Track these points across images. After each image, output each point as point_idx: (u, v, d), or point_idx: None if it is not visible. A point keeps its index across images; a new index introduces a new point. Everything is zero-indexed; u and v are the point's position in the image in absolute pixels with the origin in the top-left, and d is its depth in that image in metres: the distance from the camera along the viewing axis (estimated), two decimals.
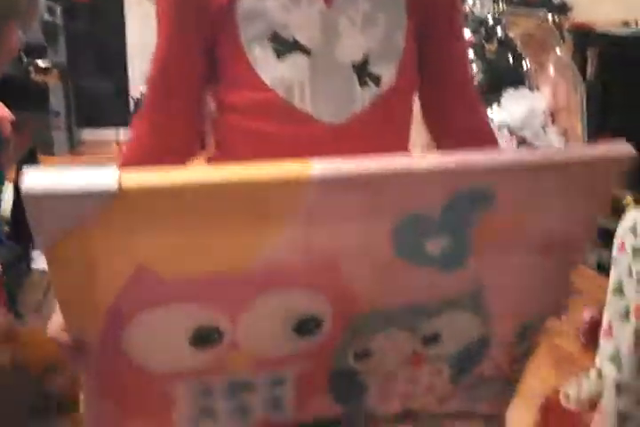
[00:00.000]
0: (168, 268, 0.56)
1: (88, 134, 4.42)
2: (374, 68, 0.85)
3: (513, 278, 0.69)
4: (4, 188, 1.98)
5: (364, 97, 0.85)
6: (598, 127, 3.15)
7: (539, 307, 0.74)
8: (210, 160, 0.93)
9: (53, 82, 3.88)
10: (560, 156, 0.63)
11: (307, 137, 0.85)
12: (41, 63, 3.82)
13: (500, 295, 0.70)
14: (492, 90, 3.44)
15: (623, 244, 1.51)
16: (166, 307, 0.59)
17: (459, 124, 0.95)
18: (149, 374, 0.63)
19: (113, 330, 0.59)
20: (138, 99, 4.22)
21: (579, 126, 3.11)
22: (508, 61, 3.50)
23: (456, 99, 0.95)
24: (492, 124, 1.02)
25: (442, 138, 0.98)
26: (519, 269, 0.68)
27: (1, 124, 2.01)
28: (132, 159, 0.88)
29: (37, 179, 0.49)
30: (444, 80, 0.94)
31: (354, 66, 0.85)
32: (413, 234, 0.61)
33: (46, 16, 3.87)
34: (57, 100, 3.91)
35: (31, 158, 2.30)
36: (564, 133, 3.09)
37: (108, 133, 4.27)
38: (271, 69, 0.83)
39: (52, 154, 3.91)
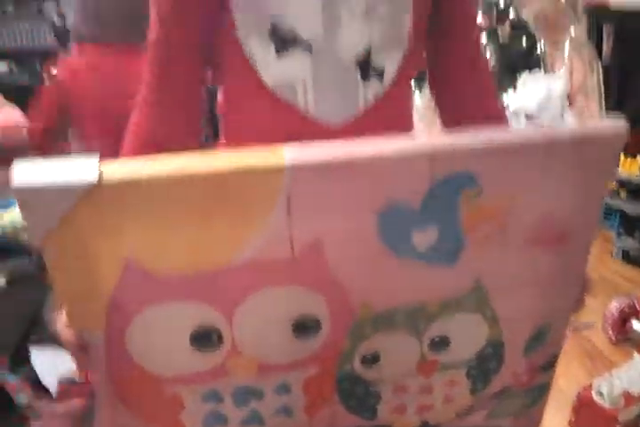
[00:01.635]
0: (155, 262, 0.56)
1: None
2: (377, 61, 0.81)
3: (516, 274, 0.65)
4: None
5: (366, 93, 0.82)
6: (616, 108, 3.08)
7: (551, 305, 0.69)
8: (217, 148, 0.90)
9: None
10: (543, 135, 0.59)
11: (310, 137, 0.79)
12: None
13: (506, 294, 0.66)
14: (507, 74, 3.38)
15: None
16: (163, 305, 0.58)
17: (469, 110, 0.91)
18: (156, 378, 0.62)
19: (116, 329, 0.59)
20: None
21: (596, 107, 3.04)
22: (522, 44, 3.43)
23: (467, 84, 0.90)
24: (505, 111, 0.97)
25: (452, 126, 0.93)
26: (520, 262, 0.64)
27: (17, 132, 2.04)
28: (133, 148, 0.84)
29: (25, 172, 0.51)
30: (454, 61, 0.89)
31: (357, 60, 0.80)
32: (398, 223, 0.59)
33: (56, 19, 3.87)
34: None
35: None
36: (582, 117, 3.02)
37: None
38: (272, 68, 0.79)
39: None
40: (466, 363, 0.70)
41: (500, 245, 0.62)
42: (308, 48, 0.78)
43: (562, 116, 3.10)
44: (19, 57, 3.98)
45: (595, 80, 3.02)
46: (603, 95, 3.04)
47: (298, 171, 0.54)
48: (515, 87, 3.29)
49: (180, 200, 0.54)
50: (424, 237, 0.60)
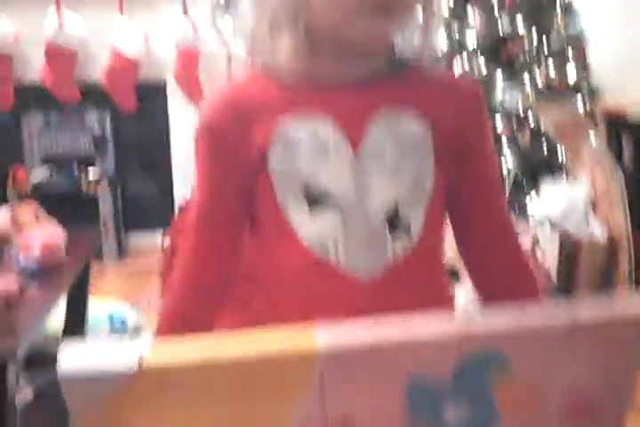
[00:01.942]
0: None
1: (135, 238, 4.54)
2: (404, 217, 0.85)
3: None
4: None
5: (395, 247, 0.85)
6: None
7: None
8: (245, 300, 0.93)
9: (102, 192, 4.03)
10: (569, 316, 0.62)
11: (342, 293, 0.85)
12: (91, 176, 4.00)
13: None
14: (529, 180, 3.44)
15: None
16: None
17: (491, 260, 0.92)
18: None
19: None
20: (181, 204, 4.35)
21: (620, 216, 3.07)
22: (543, 151, 3.50)
23: (489, 239, 0.91)
24: (528, 258, 0.99)
25: (476, 276, 0.95)
26: None
27: (57, 252, 2.09)
28: (170, 329, 0.88)
29: (70, 357, 0.54)
30: (473, 217, 0.92)
31: (386, 216, 0.84)
32: (428, 398, 0.62)
33: (96, 128, 4.06)
34: (106, 209, 4.05)
35: (85, 269, 2.37)
36: (607, 225, 3.04)
37: (154, 236, 4.39)
38: (306, 225, 0.84)
39: (102, 261, 4.02)
40: None
41: (532, 419, 0.65)
42: (339, 207, 0.84)
43: (587, 223, 3.12)
44: (59, 163, 4.15)
45: (617, 188, 3.07)
46: (626, 203, 3.07)
47: (330, 357, 0.58)
48: (537, 193, 3.33)
49: (214, 386, 0.57)
50: (456, 413, 0.62)
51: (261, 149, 0.83)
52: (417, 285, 0.87)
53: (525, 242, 3.15)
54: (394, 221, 0.85)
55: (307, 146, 0.82)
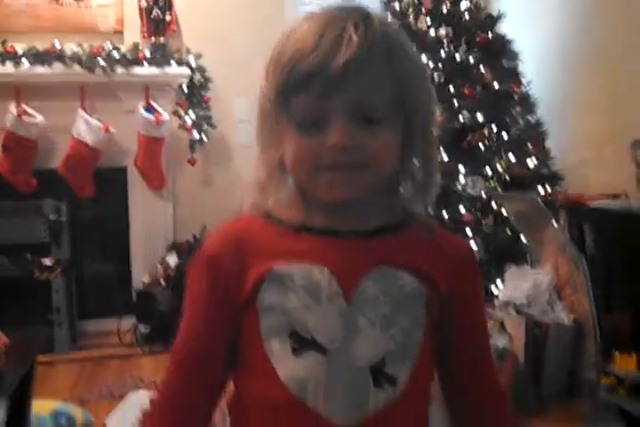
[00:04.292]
0: None
1: (90, 325, 4.37)
2: (391, 369, 0.83)
3: None
4: None
5: (377, 399, 0.82)
6: (605, 300, 3.10)
7: None
8: None
9: (56, 278, 3.90)
10: None
11: None
12: (45, 262, 3.87)
13: None
14: (494, 265, 3.44)
15: None
16: None
17: (470, 406, 0.93)
18: None
19: None
20: (139, 289, 4.24)
21: (585, 301, 3.06)
22: (507, 235, 3.53)
23: (473, 383, 0.92)
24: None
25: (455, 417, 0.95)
26: None
27: None
28: None
29: None
30: (463, 378, 0.93)
31: (371, 367, 0.82)
32: None
33: (52, 216, 3.98)
34: (59, 296, 3.91)
35: (29, 372, 2.24)
36: (572, 309, 3.03)
37: (109, 323, 4.24)
38: (287, 365, 0.82)
39: (53, 351, 3.83)
40: None
41: None
42: (324, 352, 0.81)
43: (552, 308, 3.10)
44: (12, 250, 4.06)
45: (581, 274, 3.07)
46: (590, 288, 3.07)
47: None
48: (502, 279, 3.32)
49: None
50: None
51: (254, 284, 0.83)
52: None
53: (490, 327, 3.11)
54: (379, 374, 0.83)
55: (300, 288, 0.82)
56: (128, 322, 4.14)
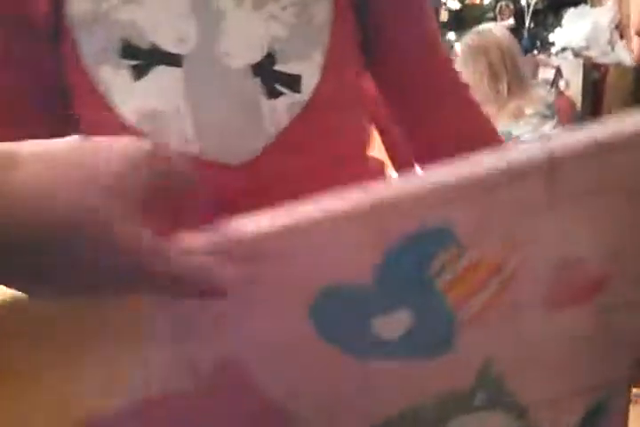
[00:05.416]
0: None
1: None
2: (287, 67, 0.57)
3: (538, 347, 0.46)
4: None
5: (278, 113, 0.58)
6: None
7: (602, 376, 0.50)
8: None
9: None
10: (544, 151, 0.39)
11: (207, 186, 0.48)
12: None
13: (526, 375, 0.47)
14: (552, 11, 3.25)
15: None
16: None
17: (435, 127, 0.68)
18: None
19: None
20: None
21: None
22: None
23: (430, 96, 0.68)
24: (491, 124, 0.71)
25: (420, 151, 0.71)
26: (543, 331, 0.45)
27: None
28: None
29: None
30: (402, 61, 0.67)
31: (253, 70, 0.57)
32: (344, 313, 0.40)
33: None
34: None
35: None
36: (634, 48, 2.88)
37: None
38: (131, 99, 0.57)
39: None
40: None
41: (507, 316, 0.44)
42: (177, 61, 0.56)
43: (612, 48, 2.96)
44: None
45: None
46: None
47: None
48: (561, 25, 3.16)
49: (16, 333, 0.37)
50: (390, 326, 0.41)
51: None
52: (315, 162, 0.60)
53: (549, 74, 3.01)
54: (270, 78, 0.57)
55: None
56: None
